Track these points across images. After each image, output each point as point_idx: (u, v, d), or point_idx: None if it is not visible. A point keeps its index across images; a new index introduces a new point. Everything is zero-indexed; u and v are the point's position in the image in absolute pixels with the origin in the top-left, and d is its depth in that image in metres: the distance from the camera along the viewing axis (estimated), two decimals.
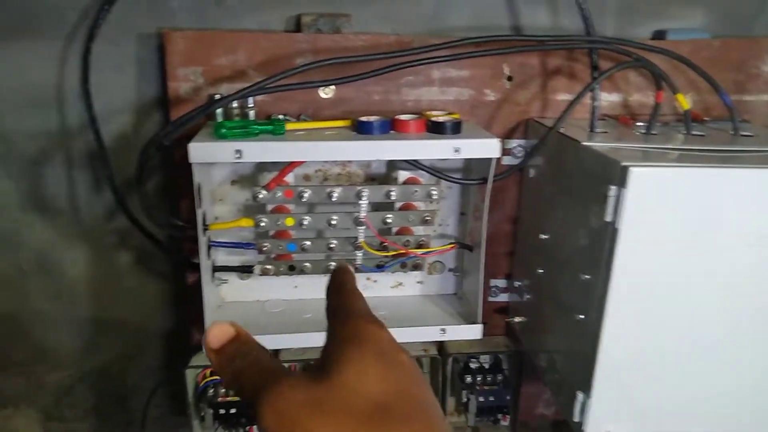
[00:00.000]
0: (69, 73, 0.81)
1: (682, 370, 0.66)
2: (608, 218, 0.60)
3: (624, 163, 0.58)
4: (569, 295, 0.71)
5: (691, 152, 0.66)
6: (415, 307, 0.89)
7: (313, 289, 0.90)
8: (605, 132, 0.76)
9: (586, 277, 0.66)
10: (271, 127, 0.71)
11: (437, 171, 0.78)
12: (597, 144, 0.67)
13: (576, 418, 0.67)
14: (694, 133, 0.76)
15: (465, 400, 0.92)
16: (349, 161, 0.83)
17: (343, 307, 0.27)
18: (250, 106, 0.78)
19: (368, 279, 0.91)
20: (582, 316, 0.67)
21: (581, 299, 0.67)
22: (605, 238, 0.61)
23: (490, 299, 0.95)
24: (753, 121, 0.89)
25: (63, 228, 0.92)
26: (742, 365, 0.66)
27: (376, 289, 0.92)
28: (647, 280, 0.62)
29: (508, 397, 0.92)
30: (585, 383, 0.66)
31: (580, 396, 0.66)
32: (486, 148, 0.72)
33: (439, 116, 0.75)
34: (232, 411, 0.86)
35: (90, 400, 1.11)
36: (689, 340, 0.65)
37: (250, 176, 0.82)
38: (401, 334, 0.81)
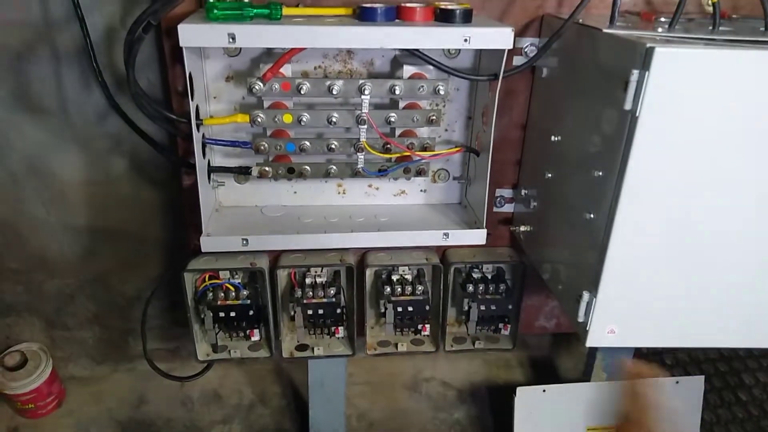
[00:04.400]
0: None
1: (692, 272, 0.64)
2: (627, 106, 0.56)
3: (649, 45, 0.54)
4: (579, 195, 0.68)
5: (718, 41, 0.61)
6: (419, 214, 0.87)
7: (313, 195, 0.88)
8: (627, 25, 0.70)
9: (599, 174, 0.62)
10: (267, 11, 0.66)
11: (444, 66, 0.73)
12: (619, 31, 0.63)
13: (581, 319, 0.66)
14: (722, 28, 0.71)
15: (466, 308, 0.91)
16: (351, 57, 0.78)
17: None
18: None
19: (370, 186, 0.88)
20: (592, 215, 0.64)
21: (592, 198, 0.64)
22: (623, 129, 0.57)
23: (495, 209, 0.92)
24: None
25: (53, 130, 0.89)
26: (755, 270, 0.64)
27: (379, 197, 0.89)
28: (664, 173, 0.58)
29: (510, 307, 0.91)
30: (592, 282, 0.64)
31: (585, 295, 0.65)
32: (498, 37, 0.67)
33: (448, 5, 0.69)
34: (232, 314, 0.85)
35: (91, 309, 1.11)
36: (703, 240, 0.62)
37: (246, 72, 0.78)
38: (403, 239, 0.80)
